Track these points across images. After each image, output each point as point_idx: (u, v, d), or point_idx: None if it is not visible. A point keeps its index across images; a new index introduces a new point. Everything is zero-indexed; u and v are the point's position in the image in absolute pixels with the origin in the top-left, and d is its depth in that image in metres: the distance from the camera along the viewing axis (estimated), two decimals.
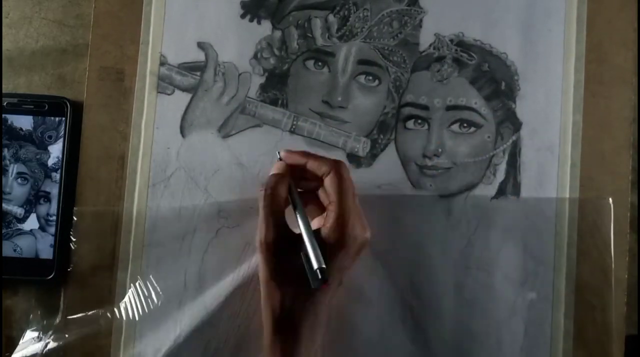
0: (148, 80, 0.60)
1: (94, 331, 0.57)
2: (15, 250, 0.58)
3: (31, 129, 0.59)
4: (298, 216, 0.53)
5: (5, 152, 0.59)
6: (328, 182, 0.52)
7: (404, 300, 0.59)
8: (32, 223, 0.59)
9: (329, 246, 0.50)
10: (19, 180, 0.59)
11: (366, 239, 0.53)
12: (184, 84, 0.60)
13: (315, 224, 0.55)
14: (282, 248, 0.51)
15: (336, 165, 0.53)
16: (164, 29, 0.60)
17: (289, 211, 0.53)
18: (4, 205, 0.59)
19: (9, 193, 0.59)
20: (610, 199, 0.59)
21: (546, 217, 0.60)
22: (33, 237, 0.59)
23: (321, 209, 0.55)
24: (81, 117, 0.59)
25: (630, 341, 0.59)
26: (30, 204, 0.59)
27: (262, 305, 0.53)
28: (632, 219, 0.60)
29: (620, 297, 0.59)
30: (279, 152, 0.56)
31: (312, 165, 0.54)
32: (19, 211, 0.59)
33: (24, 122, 0.59)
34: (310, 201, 0.56)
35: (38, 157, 0.59)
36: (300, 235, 0.51)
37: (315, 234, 0.51)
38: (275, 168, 0.55)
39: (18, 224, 0.59)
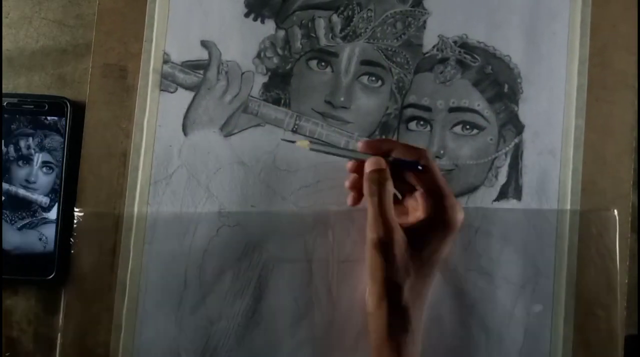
0: (151, 78, 0.60)
1: (94, 330, 0.57)
2: (40, 239, 0.58)
3: (56, 118, 0.59)
4: None
5: (30, 141, 0.59)
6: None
7: None
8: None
9: (436, 235, 0.51)
10: (44, 169, 0.59)
11: (462, 220, 0.53)
12: (187, 82, 0.60)
13: (406, 215, 0.55)
14: (396, 245, 0.51)
15: (424, 153, 0.53)
16: (168, 26, 0.60)
17: None
18: (29, 194, 0.59)
19: (34, 182, 0.59)
20: (616, 211, 0.60)
21: (548, 222, 0.60)
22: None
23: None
24: (81, 117, 0.59)
25: (630, 341, 0.60)
26: (55, 193, 0.59)
27: (373, 303, 0.52)
28: (633, 219, 0.60)
29: (620, 302, 0.59)
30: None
31: (398, 153, 0.53)
32: (44, 200, 0.59)
33: None
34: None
35: (63, 146, 0.59)
36: (408, 229, 0.52)
37: (420, 226, 0.52)
38: (372, 164, 0.53)
39: (43, 213, 0.59)
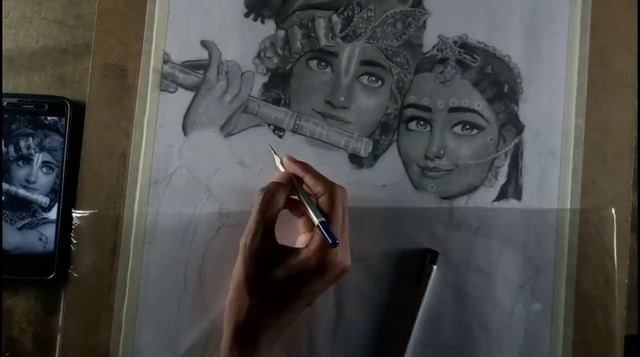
0: (151, 78, 0.60)
1: (94, 330, 0.57)
2: (40, 239, 0.58)
3: (56, 118, 0.60)
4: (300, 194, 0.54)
5: (30, 141, 0.59)
6: (322, 202, 0.52)
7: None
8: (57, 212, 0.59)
9: (306, 267, 0.50)
10: (44, 169, 0.59)
11: (346, 267, 0.52)
12: (187, 82, 0.60)
13: (301, 241, 0.56)
14: (263, 256, 0.51)
15: (331, 189, 0.52)
16: (168, 26, 0.60)
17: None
18: (29, 194, 0.59)
19: (34, 182, 0.59)
20: (613, 210, 0.60)
21: (547, 222, 0.60)
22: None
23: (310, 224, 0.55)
24: (81, 117, 0.59)
25: (630, 341, 0.60)
26: (55, 193, 0.59)
27: (226, 307, 0.53)
28: (632, 218, 0.60)
29: (620, 302, 0.59)
30: (279, 157, 0.57)
31: (308, 181, 0.54)
32: (44, 200, 0.59)
33: None
34: (304, 214, 0.56)
35: (63, 146, 0.59)
36: (282, 248, 0.52)
37: (297, 253, 0.51)
38: (277, 176, 0.55)
39: (43, 213, 0.59)
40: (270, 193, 0.52)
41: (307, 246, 0.51)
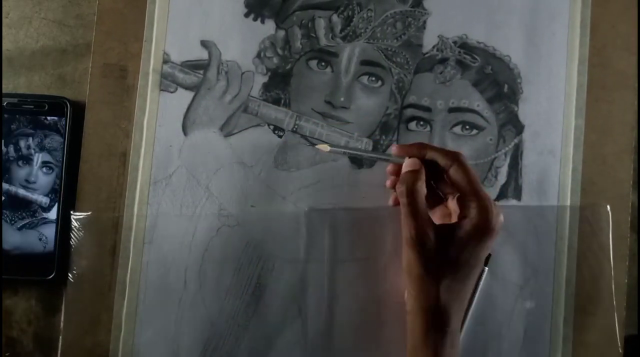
0: (151, 78, 0.60)
1: (94, 330, 0.57)
2: (40, 239, 0.58)
3: (56, 118, 0.60)
4: None
5: (30, 141, 0.59)
6: (455, 173, 0.52)
7: None
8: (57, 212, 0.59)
9: (474, 237, 0.50)
10: (44, 169, 0.59)
11: (501, 223, 0.52)
12: (187, 82, 0.60)
13: (437, 217, 0.55)
14: (430, 241, 0.51)
15: (458, 156, 0.53)
16: (168, 26, 0.60)
17: None
18: (29, 194, 0.59)
19: (34, 182, 0.59)
20: (609, 206, 0.60)
21: (547, 222, 0.60)
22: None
23: (437, 200, 0.56)
24: (81, 117, 0.59)
25: (630, 341, 0.60)
26: (55, 193, 0.59)
27: (410, 302, 0.52)
28: (632, 218, 0.60)
29: (620, 302, 0.59)
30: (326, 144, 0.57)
31: (431, 155, 0.54)
32: (44, 200, 0.59)
33: None
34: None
35: (63, 146, 0.59)
36: (445, 226, 0.52)
37: (461, 226, 0.51)
38: (407, 165, 0.54)
39: (43, 213, 0.59)
40: (410, 182, 0.52)
41: (462, 217, 0.51)
